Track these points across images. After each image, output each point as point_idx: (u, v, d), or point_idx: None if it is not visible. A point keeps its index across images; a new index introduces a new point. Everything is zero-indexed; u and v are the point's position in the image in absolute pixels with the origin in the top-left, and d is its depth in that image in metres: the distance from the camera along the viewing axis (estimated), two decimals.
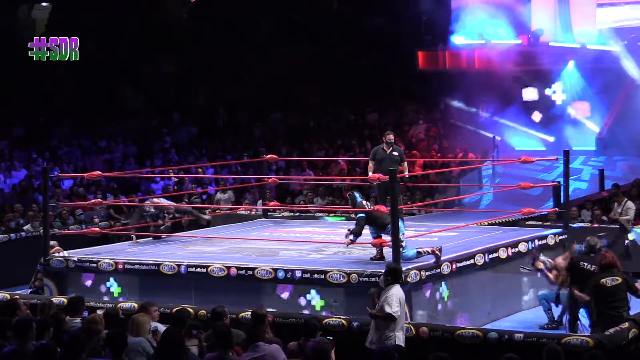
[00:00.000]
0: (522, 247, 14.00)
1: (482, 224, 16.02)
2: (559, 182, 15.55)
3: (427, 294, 12.35)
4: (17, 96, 29.33)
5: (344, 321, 10.75)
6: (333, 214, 17.67)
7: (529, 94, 29.63)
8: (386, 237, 12.28)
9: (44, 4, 34.03)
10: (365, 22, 32.22)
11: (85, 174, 16.24)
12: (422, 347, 9.87)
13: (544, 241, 14.50)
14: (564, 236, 14.82)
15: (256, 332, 8.45)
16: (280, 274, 12.33)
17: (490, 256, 13.33)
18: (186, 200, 19.15)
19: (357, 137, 29.01)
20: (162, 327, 9.01)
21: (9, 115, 28.21)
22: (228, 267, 12.61)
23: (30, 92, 29.82)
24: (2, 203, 20.62)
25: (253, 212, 18.15)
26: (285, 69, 31.27)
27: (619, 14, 28.15)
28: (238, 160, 24.61)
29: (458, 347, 9.98)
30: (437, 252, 12.31)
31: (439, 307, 12.54)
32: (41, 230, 14.85)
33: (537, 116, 29.40)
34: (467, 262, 12.94)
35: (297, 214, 18.01)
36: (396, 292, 9.98)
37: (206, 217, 16.35)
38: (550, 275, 12.57)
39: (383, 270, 10.55)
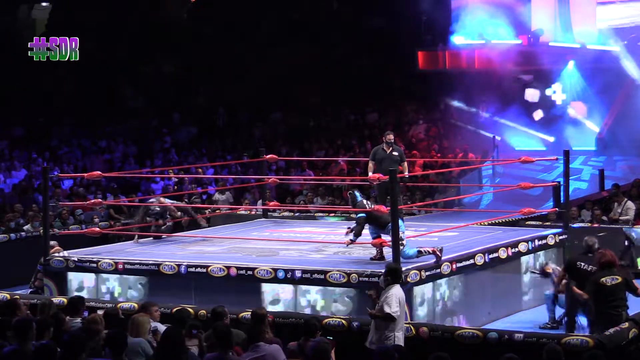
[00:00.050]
0: (522, 247, 14.01)
1: (482, 224, 16.02)
2: (559, 182, 15.54)
3: (427, 294, 12.35)
4: (17, 96, 29.34)
5: (344, 321, 10.76)
6: (333, 214, 17.66)
7: (531, 94, 29.65)
8: (386, 237, 12.28)
9: (44, 4, 34.03)
10: (365, 22, 32.23)
11: (85, 174, 16.24)
12: (422, 347, 9.87)
13: (544, 241, 14.50)
14: (564, 236, 14.83)
15: (256, 332, 8.45)
16: (280, 274, 12.33)
17: (490, 256, 13.33)
18: (186, 200, 19.15)
19: (357, 137, 29.01)
20: (162, 327, 9.01)
21: (9, 115, 28.21)
22: (228, 267, 12.61)
23: (30, 92, 29.82)
24: (2, 203, 20.62)
25: (253, 212, 18.15)
26: (285, 69, 31.28)
27: (619, 11, 28.15)
28: (238, 160, 24.61)
29: (458, 347, 9.98)
30: (438, 253, 12.30)
31: (439, 307, 12.54)
32: (41, 230, 14.85)
33: (538, 114, 29.42)
34: (467, 262, 12.93)
35: (297, 214, 18.01)
36: (396, 292, 9.98)
37: (203, 224, 16.40)
38: (557, 281, 12.61)
39: (383, 270, 10.55)
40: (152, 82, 32.04)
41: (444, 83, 29.32)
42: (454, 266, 12.63)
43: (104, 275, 13.39)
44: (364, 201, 12.64)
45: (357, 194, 12.75)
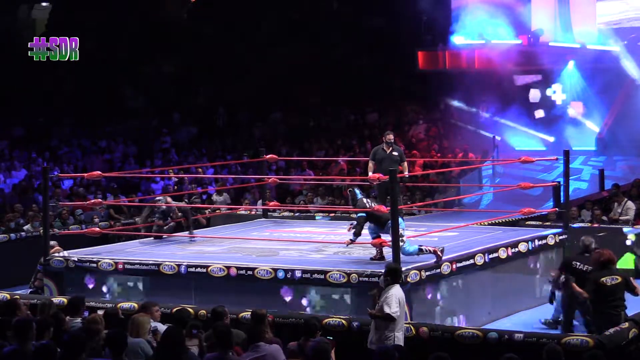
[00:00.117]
0: (522, 247, 14.00)
1: (482, 224, 16.01)
2: (559, 182, 15.54)
3: (427, 294, 12.35)
4: (17, 96, 29.33)
5: (344, 321, 10.76)
6: (333, 214, 17.66)
7: (534, 94, 29.67)
8: (386, 237, 12.28)
9: (44, 4, 34.03)
10: (365, 22, 32.23)
11: (85, 174, 16.23)
12: (422, 347, 9.87)
13: (544, 241, 14.50)
14: (564, 236, 14.83)
15: (256, 332, 8.45)
16: (280, 274, 12.33)
17: (490, 256, 13.33)
18: (186, 200, 19.15)
19: (357, 137, 29.01)
20: (162, 327, 9.01)
21: (9, 115, 28.21)
22: (228, 267, 12.60)
23: (30, 92, 29.82)
24: (2, 203, 20.62)
25: (253, 212, 18.15)
26: (285, 69, 31.28)
27: (619, 7, 28.15)
28: (238, 160, 24.61)
29: (458, 347, 9.98)
30: (439, 253, 12.30)
31: (439, 307, 12.54)
32: (41, 230, 14.84)
33: (538, 114, 29.43)
34: (467, 262, 12.93)
35: (297, 214, 18.01)
36: (396, 293, 9.98)
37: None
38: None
39: (383, 270, 10.55)
40: (152, 82, 32.04)
41: (444, 83, 29.32)
42: (454, 266, 12.62)
43: (104, 276, 13.38)
44: (364, 199, 12.63)
45: (357, 191, 12.74)
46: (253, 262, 12.78)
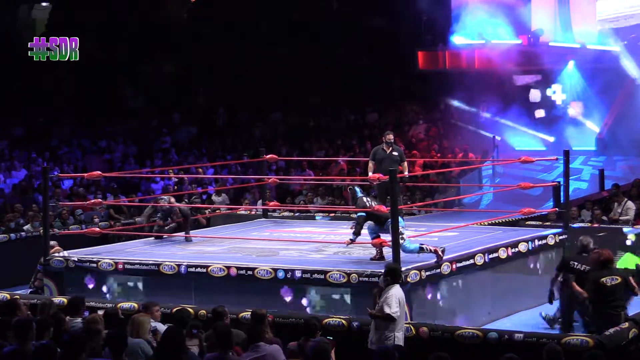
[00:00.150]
0: (522, 247, 14.00)
1: (482, 224, 16.01)
2: (559, 182, 15.54)
3: (427, 294, 12.35)
4: (17, 96, 29.33)
5: (344, 321, 10.76)
6: (333, 214, 17.66)
7: (534, 94, 29.67)
8: (386, 237, 12.28)
9: (44, 4, 34.03)
10: (365, 22, 32.24)
11: (85, 174, 16.23)
12: (422, 347, 9.87)
13: (544, 241, 14.50)
14: (564, 236, 14.83)
15: (256, 332, 8.45)
16: (280, 274, 12.33)
17: (490, 256, 13.33)
18: (186, 200, 19.15)
19: (357, 137, 29.02)
20: (162, 327, 9.01)
21: (9, 115, 28.20)
22: (228, 267, 12.60)
23: (30, 92, 29.82)
24: (2, 203, 20.61)
25: (253, 212, 18.15)
26: (285, 69, 31.28)
27: (619, 4, 28.16)
28: (238, 160, 24.61)
29: (458, 347, 9.98)
30: (440, 253, 12.29)
31: (439, 307, 12.53)
32: (41, 230, 14.84)
33: (539, 113, 29.43)
34: (467, 262, 12.93)
35: (297, 214, 18.01)
36: (396, 293, 9.97)
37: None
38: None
39: (383, 270, 10.55)
40: (152, 82, 32.04)
41: (444, 83, 29.32)
42: (454, 266, 12.62)
43: (104, 276, 13.38)
44: (364, 198, 12.62)
45: (357, 189, 12.74)
46: (253, 262, 12.78)
